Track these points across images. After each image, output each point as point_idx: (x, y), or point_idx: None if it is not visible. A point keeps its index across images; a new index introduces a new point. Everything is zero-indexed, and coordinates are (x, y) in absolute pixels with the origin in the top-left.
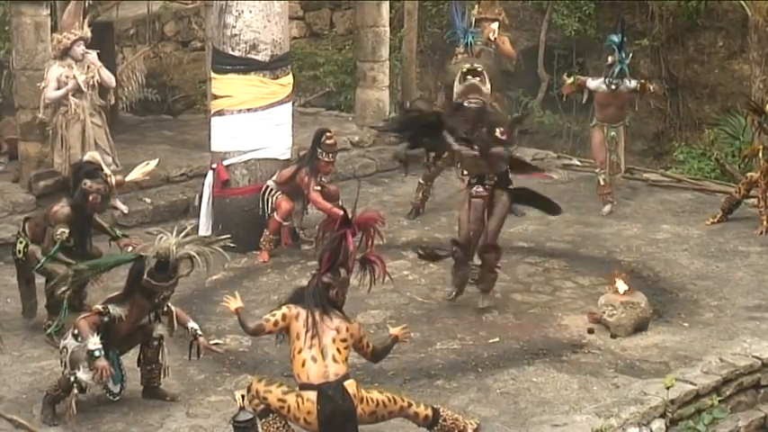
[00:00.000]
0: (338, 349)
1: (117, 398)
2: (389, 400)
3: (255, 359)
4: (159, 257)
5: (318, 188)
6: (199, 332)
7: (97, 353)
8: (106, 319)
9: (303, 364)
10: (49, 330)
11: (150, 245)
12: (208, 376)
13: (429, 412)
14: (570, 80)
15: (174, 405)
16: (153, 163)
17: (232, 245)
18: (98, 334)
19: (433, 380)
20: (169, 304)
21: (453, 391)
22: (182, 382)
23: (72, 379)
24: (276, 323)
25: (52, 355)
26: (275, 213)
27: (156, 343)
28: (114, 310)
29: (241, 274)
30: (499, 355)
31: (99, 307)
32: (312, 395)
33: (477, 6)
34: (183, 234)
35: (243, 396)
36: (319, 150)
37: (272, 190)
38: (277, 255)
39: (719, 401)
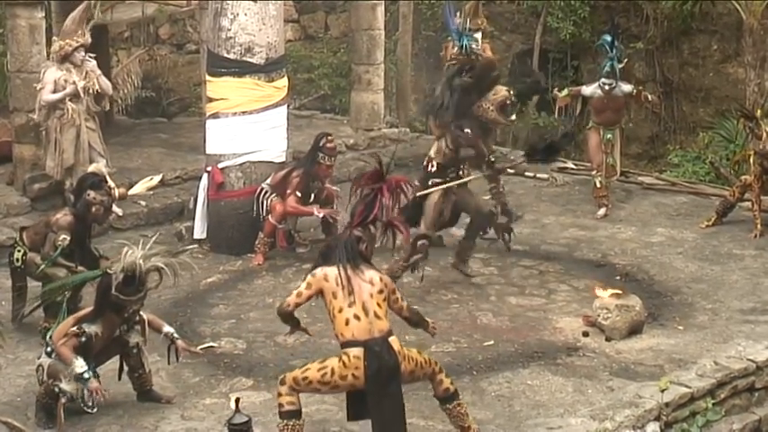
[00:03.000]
0: (378, 304)
1: (94, 410)
2: (425, 362)
3: (250, 362)
4: (126, 272)
5: (299, 195)
6: (175, 335)
7: (86, 375)
8: (83, 339)
9: (347, 323)
10: (49, 334)
11: (117, 259)
12: (203, 379)
13: (452, 388)
14: (564, 92)
15: (169, 408)
16: (156, 178)
17: (201, 256)
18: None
19: (427, 383)
20: (141, 313)
21: None
22: (176, 385)
23: (56, 390)
24: (300, 294)
25: None
26: (270, 216)
27: (134, 351)
28: (89, 328)
29: (236, 277)
30: (494, 357)
31: (74, 329)
32: (359, 351)
33: (458, 15)
34: (148, 246)
35: (238, 399)
36: (320, 154)
37: (266, 192)
38: (272, 257)
39: (714, 404)
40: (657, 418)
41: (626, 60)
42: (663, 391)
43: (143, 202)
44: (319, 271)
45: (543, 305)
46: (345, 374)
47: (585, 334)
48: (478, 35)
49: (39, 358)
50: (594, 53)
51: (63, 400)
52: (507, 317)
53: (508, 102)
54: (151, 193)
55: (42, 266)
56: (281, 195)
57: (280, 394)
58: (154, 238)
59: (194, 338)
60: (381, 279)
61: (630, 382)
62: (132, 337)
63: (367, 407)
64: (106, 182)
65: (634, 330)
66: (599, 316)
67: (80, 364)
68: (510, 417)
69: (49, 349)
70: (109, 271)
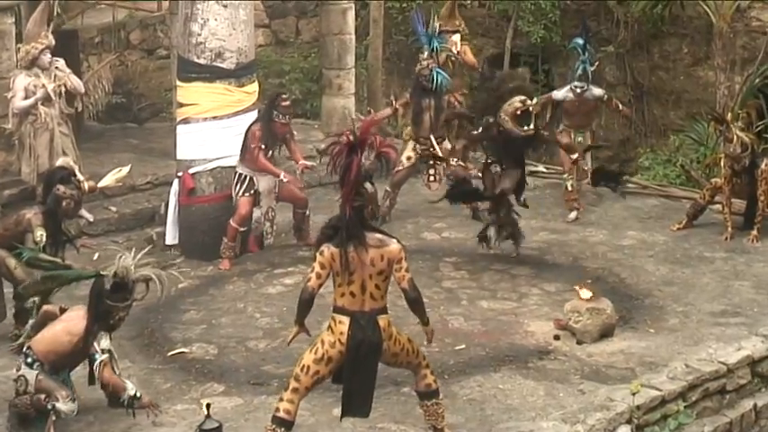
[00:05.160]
0: (376, 285)
1: (73, 414)
2: (412, 351)
3: (222, 367)
4: (117, 277)
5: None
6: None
7: (138, 394)
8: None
9: (342, 296)
10: (20, 341)
11: (111, 264)
12: (174, 385)
13: (435, 385)
14: (534, 101)
15: (140, 414)
16: (125, 169)
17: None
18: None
19: (399, 387)
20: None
21: None
22: (148, 391)
23: (50, 407)
24: (319, 275)
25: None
26: (231, 219)
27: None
28: (106, 344)
29: (207, 282)
30: (465, 361)
31: (105, 357)
32: (345, 319)
33: (436, 18)
34: (139, 256)
35: (209, 405)
36: (275, 113)
37: (240, 176)
38: (243, 262)
39: (685, 407)
40: (629, 421)
41: (597, 63)
42: (634, 394)
43: (113, 208)
44: (326, 250)
45: (514, 309)
46: (333, 341)
47: (557, 337)
48: (456, 37)
49: (18, 370)
50: (566, 57)
51: (54, 418)
52: (479, 321)
53: (519, 112)
54: (120, 184)
55: (27, 255)
56: (251, 163)
57: (281, 399)
58: (146, 250)
59: (165, 344)
60: (383, 256)
61: (602, 385)
62: (103, 342)
63: None
64: (75, 175)
65: (605, 333)
66: (570, 319)
67: (131, 387)
68: (481, 421)
69: (29, 360)
70: (102, 273)
